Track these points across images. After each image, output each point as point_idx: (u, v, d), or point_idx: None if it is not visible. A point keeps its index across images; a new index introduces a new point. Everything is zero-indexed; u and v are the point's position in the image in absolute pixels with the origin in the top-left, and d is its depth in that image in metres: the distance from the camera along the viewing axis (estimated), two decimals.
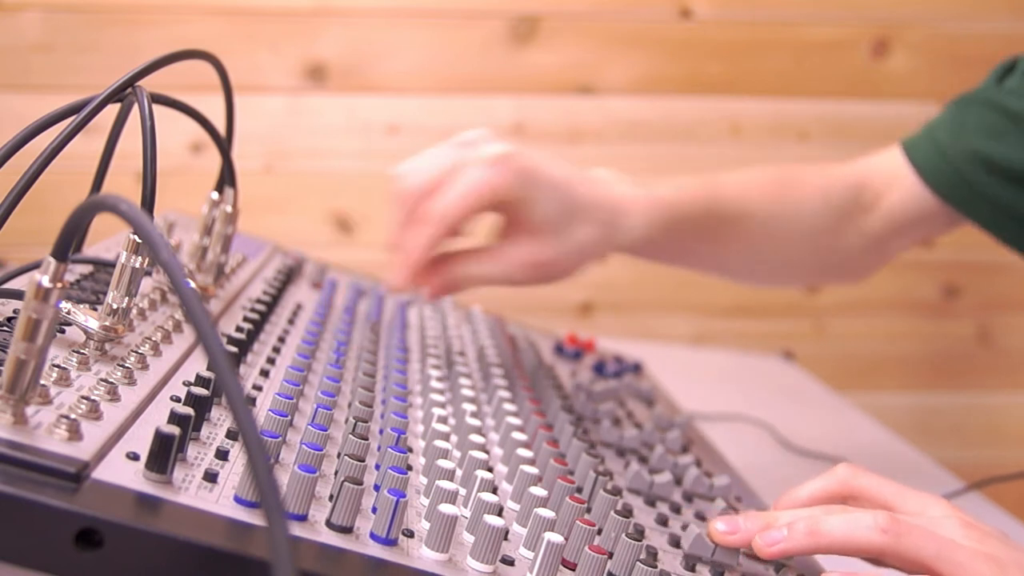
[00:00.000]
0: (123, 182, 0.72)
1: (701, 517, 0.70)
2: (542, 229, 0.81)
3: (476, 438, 0.64)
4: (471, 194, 0.78)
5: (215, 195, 0.80)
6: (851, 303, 1.72)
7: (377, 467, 0.59)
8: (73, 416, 0.47)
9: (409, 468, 0.59)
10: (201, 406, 0.54)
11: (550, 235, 0.82)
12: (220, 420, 0.58)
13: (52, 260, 0.46)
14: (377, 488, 0.56)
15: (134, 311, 0.66)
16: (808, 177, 1.00)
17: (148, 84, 0.65)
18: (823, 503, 0.66)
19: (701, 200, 0.91)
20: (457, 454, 0.64)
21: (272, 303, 0.83)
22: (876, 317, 1.74)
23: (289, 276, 0.95)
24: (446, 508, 0.51)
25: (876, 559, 0.61)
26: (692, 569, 0.60)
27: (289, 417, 0.58)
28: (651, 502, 0.70)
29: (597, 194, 0.84)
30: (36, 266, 0.49)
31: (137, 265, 0.59)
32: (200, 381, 0.58)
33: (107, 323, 0.59)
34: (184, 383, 0.60)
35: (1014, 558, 0.60)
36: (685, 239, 0.90)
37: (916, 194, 0.99)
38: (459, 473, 0.60)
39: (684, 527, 0.66)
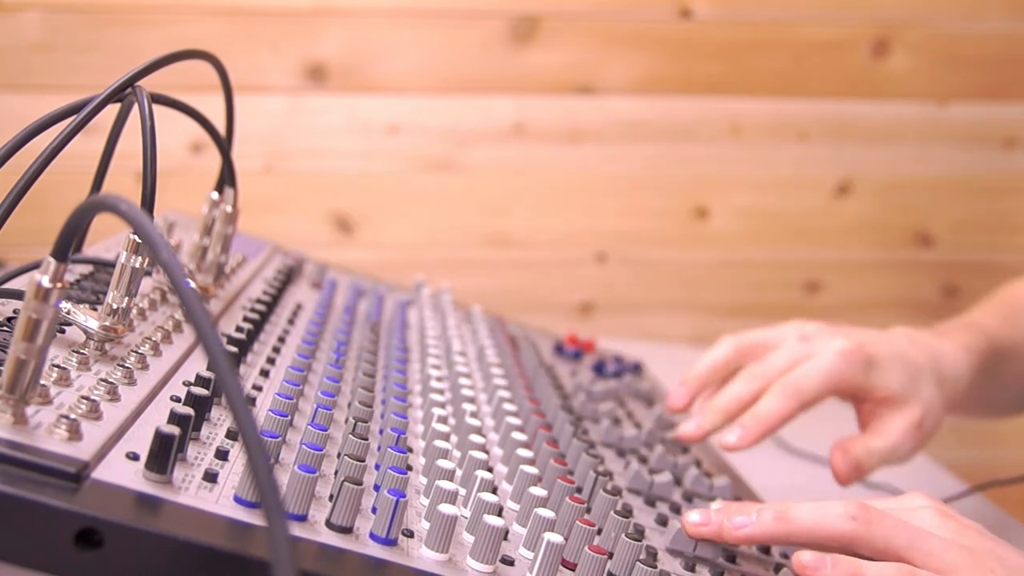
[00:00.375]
0: (123, 182, 0.72)
1: None
2: (901, 399, 0.83)
3: (476, 438, 0.64)
4: (824, 376, 0.81)
5: (215, 195, 0.80)
6: (851, 303, 1.72)
7: (377, 467, 0.59)
8: (73, 416, 0.47)
9: (409, 468, 0.59)
10: (201, 406, 0.54)
11: (910, 400, 0.84)
12: (220, 420, 0.58)
13: (52, 260, 0.46)
14: (377, 488, 0.56)
15: (134, 311, 0.66)
16: None
17: (148, 84, 0.65)
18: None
19: (986, 338, 0.93)
20: (457, 454, 0.64)
21: (272, 303, 0.83)
22: (876, 317, 1.73)
23: (289, 276, 0.95)
24: (446, 508, 0.51)
25: (847, 548, 0.60)
26: (692, 569, 0.60)
27: (289, 417, 0.58)
28: (651, 502, 0.70)
29: (926, 354, 0.86)
30: (36, 266, 0.49)
31: (137, 265, 0.59)
32: (200, 381, 0.58)
33: (107, 323, 0.59)
34: (184, 383, 0.60)
35: (989, 548, 0.60)
36: (984, 382, 0.91)
37: None
38: (459, 473, 0.60)
39: None
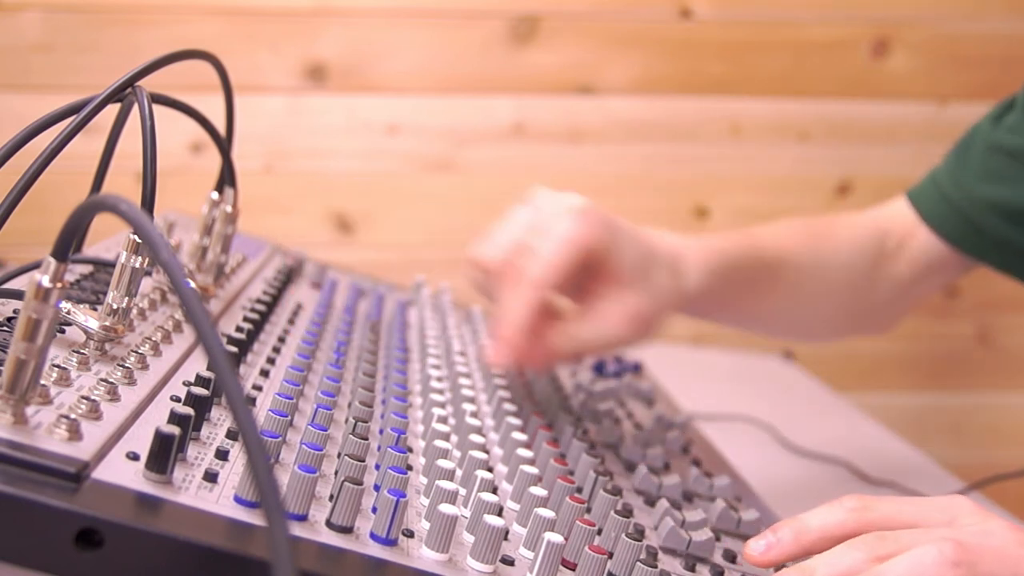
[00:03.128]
0: (123, 182, 0.72)
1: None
2: (629, 279, 0.78)
3: (476, 438, 0.64)
4: (565, 246, 0.74)
5: (215, 195, 0.80)
6: None
7: (377, 467, 0.59)
8: (73, 416, 0.47)
9: (409, 468, 0.59)
10: (201, 406, 0.54)
11: (637, 285, 0.78)
12: (220, 420, 0.58)
13: (52, 260, 0.46)
14: (377, 488, 0.56)
15: (134, 311, 0.66)
16: (836, 228, 1.00)
17: (148, 84, 0.65)
18: (838, 541, 0.57)
19: (745, 248, 0.90)
20: (457, 454, 0.64)
21: (272, 303, 0.83)
22: None
23: (289, 276, 0.95)
24: (446, 508, 0.51)
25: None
26: (692, 569, 0.60)
27: (289, 417, 0.58)
28: (651, 502, 0.70)
29: (663, 242, 0.82)
30: (36, 266, 0.49)
31: (137, 265, 0.59)
32: (200, 381, 0.58)
33: (107, 323, 0.59)
34: (184, 383, 0.60)
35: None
36: (734, 289, 0.88)
37: (930, 242, 0.98)
38: (459, 473, 0.60)
39: (685, 527, 0.66)
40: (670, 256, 0.82)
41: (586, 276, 0.78)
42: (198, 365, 0.64)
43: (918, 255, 0.99)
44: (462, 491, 0.59)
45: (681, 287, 0.82)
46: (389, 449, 0.57)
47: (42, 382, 0.49)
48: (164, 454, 0.47)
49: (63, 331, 0.60)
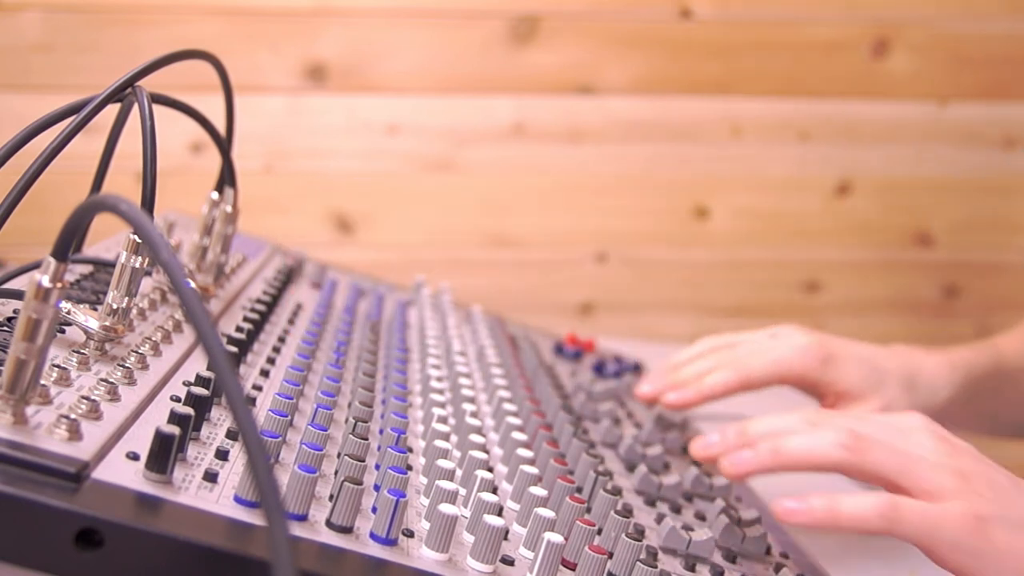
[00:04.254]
0: (123, 182, 0.72)
1: (701, 517, 0.70)
2: (855, 395, 0.85)
3: (476, 438, 0.64)
4: (777, 360, 0.85)
5: (215, 195, 0.80)
6: (851, 303, 1.72)
7: (377, 467, 0.59)
8: (73, 416, 0.47)
9: (409, 468, 0.59)
10: (201, 406, 0.54)
11: (865, 397, 0.85)
12: (220, 420, 0.58)
13: (52, 260, 0.46)
14: (377, 488, 0.56)
15: (134, 311, 0.66)
16: None
17: (148, 84, 0.65)
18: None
19: (988, 358, 0.94)
20: (457, 454, 0.64)
21: (272, 303, 0.83)
22: (876, 317, 1.74)
23: (289, 276, 0.95)
24: (446, 508, 0.51)
25: (838, 473, 0.63)
26: (692, 569, 0.60)
27: (289, 417, 0.58)
28: (651, 502, 0.70)
29: (899, 361, 0.88)
30: (36, 266, 0.49)
31: (137, 265, 0.59)
32: (200, 381, 0.58)
33: (107, 323, 0.59)
34: (184, 383, 0.60)
35: (981, 471, 0.62)
36: (979, 399, 0.92)
37: None
38: (459, 473, 0.60)
39: (685, 527, 0.66)
40: (908, 371, 0.87)
41: (824, 402, 0.87)
42: (198, 365, 0.64)
43: None
44: (462, 491, 0.59)
45: (919, 404, 0.86)
46: (389, 449, 0.57)
47: (42, 382, 0.49)
48: (164, 454, 0.47)
49: (63, 331, 0.60)
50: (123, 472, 0.47)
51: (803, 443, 0.64)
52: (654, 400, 0.88)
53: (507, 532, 0.57)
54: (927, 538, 0.59)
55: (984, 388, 0.92)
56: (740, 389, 0.86)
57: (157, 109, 0.65)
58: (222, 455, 0.53)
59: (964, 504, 0.59)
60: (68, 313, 0.58)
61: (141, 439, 0.50)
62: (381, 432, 0.64)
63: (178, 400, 0.57)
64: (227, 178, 0.79)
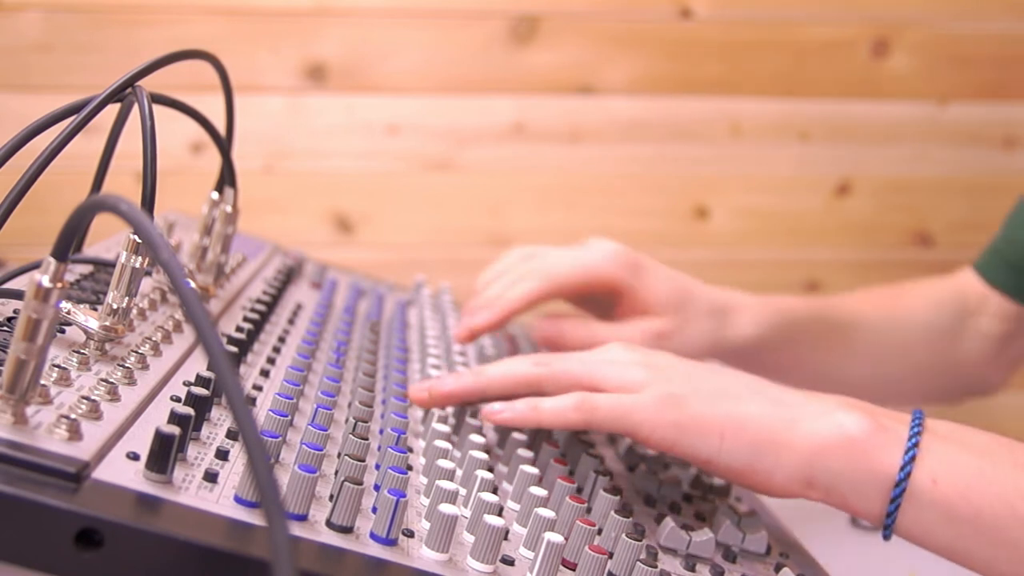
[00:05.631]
0: (123, 182, 0.72)
1: (701, 517, 0.70)
2: (660, 311, 0.84)
3: (476, 438, 0.64)
4: (587, 266, 0.83)
5: (215, 195, 0.80)
6: None
7: (377, 467, 0.59)
8: (73, 416, 0.47)
9: (409, 468, 0.59)
10: (201, 406, 0.54)
11: (669, 317, 0.84)
12: (220, 420, 0.58)
13: (52, 260, 0.46)
14: (377, 488, 0.56)
15: (134, 311, 0.66)
16: (915, 290, 1.03)
17: (148, 84, 0.65)
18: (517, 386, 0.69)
19: (813, 309, 0.94)
20: (457, 454, 0.64)
21: (272, 303, 0.83)
22: None
23: (289, 276, 0.95)
24: (446, 508, 0.51)
25: (537, 390, 0.66)
26: (692, 569, 0.60)
27: (289, 417, 0.58)
28: (651, 502, 0.70)
29: (710, 291, 0.87)
30: (36, 266, 0.49)
31: (137, 265, 0.59)
32: (200, 381, 0.58)
33: (107, 323, 0.59)
34: (184, 383, 0.60)
35: (673, 363, 0.65)
36: (798, 346, 0.91)
37: (1003, 304, 1.01)
38: (459, 473, 0.60)
39: (685, 527, 0.66)
40: (718, 304, 0.87)
41: (620, 311, 0.85)
42: (198, 365, 0.64)
43: (999, 313, 1.01)
44: (462, 491, 0.59)
45: (725, 335, 0.86)
46: (389, 449, 0.57)
47: (42, 382, 0.49)
48: (164, 454, 0.47)
49: (63, 331, 0.60)
50: (123, 472, 0.47)
51: (501, 366, 0.68)
52: (470, 337, 0.83)
53: (507, 532, 0.57)
54: (626, 422, 0.62)
55: (804, 336, 0.91)
56: (549, 296, 0.83)
57: (157, 109, 0.65)
58: (222, 455, 0.53)
59: (656, 388, 0.63)
60: (68, 313, 0.58)
61: (141, 439, 0.50)
62: (381, 432, 0.64)
63: (178, 400, 0.57)
64: (227, 178, 0.79)
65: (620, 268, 0.83)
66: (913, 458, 0.60)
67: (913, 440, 0.60)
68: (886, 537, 0.62)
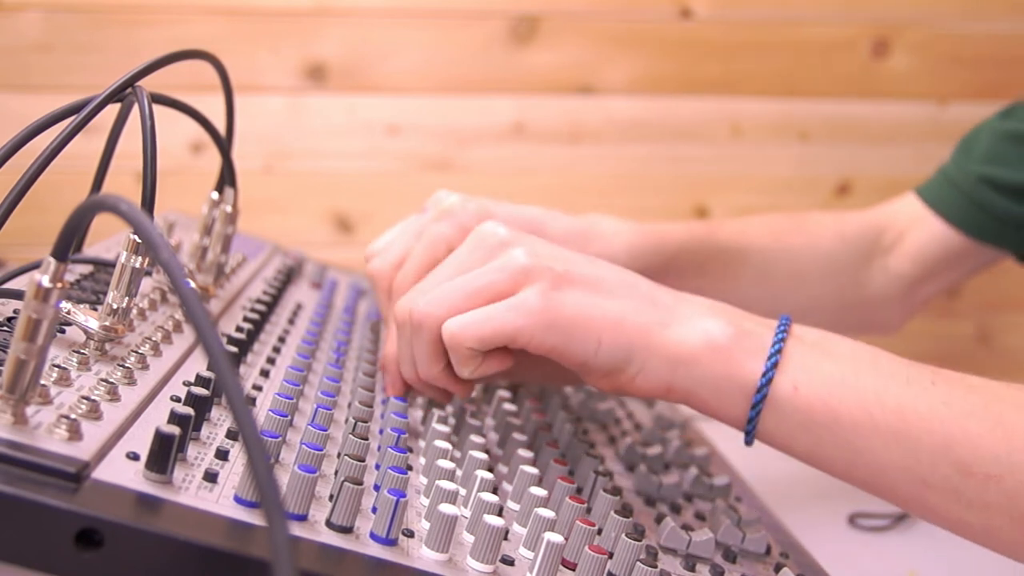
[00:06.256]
0: (123, 182, 0.72)
1: (701, 517, 0.70)
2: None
3: (476, 438, 0.64)
4: (431, 245, 0.76)
5: (215, 195, 0.80)
6: None
7: (377, 467, 0.59)
8: (73, 416, 0.47)
9: (409, 468, 0.59)
10: (201, 406, 0.54)
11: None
12: (220, 420, 0.58)
13: (52, 260, 0.46)
14: (377, 488, 0.56)
15: (134, 311, 0.66)
16: (822, 220, 1.01)
17: (148, 84, 0.65)
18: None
19: (697, 235, 0.90)
20: (457, 454, 0.64)
21: (272, 303, 0.83)
22: None
23: (289, 276, 0.95)
24: (446, 508, 0.51)
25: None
26: (692, 569, 0.60)
27: (289, 417, 0.58)
28: (651, 502, 0.70)
29: (568, 220, 0.82)
30: (36, 266, 0.49)
31: (137, 265, 0.59)
32: (200, 381, 0.58)
33: (107, 323, 0.59)
34: (184, 383, 0.60)
35: (547, 250, 0.64)
36: (683, 273, 0.88)
37: (938, 233, 1.00)
38: (459, 473, 0.60)
39: (685, 527, 0.66)
40: (575, 230, 0.81)
41: None
42: (198, 365, 0.64)
43: (926, 247, 1.00)
44: (462, 491, 0.59)
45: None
46: (389, 449, 0.57)
47: (42, 382, 0.49)
48: (164, 454, 0.47)
49: (63, 331, 0.60)
50: (123, 472, 0.47)
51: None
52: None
53: (507, 532, 0.57)
54: (503, 334, 0.61)
55: (686, 264, 0.88)
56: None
57: (157, 109, 0.65)
58: (222, 455, 0.53)
59: (532, 290, 0.61)
60: (68, 313, 0.58)
61: (141, 439, 0.50)
62: (381, 432, 0.65)
63: (178, 400, 0.57)
64: (227, 178, 0.79)
65: (468, 218, 0.76)
66: (775, 364, 0.59)
67: (776, 347, 0.60)
68: (748, 443, 0.62)
